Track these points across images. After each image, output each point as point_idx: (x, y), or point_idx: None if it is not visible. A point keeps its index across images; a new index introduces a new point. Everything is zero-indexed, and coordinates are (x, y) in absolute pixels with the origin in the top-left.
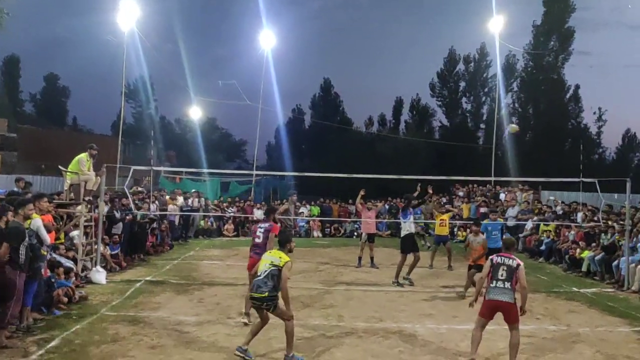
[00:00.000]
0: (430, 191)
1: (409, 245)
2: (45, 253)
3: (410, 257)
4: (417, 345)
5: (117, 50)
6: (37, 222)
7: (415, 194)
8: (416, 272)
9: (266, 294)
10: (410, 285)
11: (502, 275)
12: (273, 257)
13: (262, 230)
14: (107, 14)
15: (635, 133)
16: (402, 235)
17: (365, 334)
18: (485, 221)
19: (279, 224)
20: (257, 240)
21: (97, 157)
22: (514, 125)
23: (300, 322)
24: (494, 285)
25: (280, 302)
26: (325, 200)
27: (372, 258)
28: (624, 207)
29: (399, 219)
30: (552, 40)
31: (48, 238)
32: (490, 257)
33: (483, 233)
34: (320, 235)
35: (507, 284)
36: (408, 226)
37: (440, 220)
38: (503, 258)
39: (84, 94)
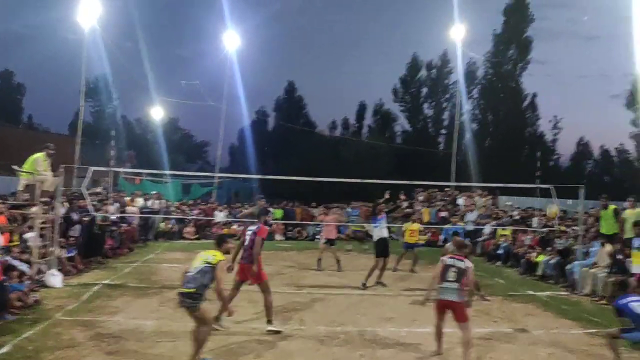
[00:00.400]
0: (387, 196)
1: (380, 249)
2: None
3: (380, 262)
4: (378, 349)
5: (77, 47)
6: None
7: (382, 200)
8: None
9: (193, 289)
10: (384, 286)
11: (451, 277)
12: (208, 254)
13: (249, 233)
14: (67, 11)
15: (588, 141)
16: (374, 239)
17: (326, 338)
18: (448, 226)
19: (268, 227)
20: (246, 244)
21: (54, 157)
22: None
23: (262, 326)
24: (443, 285)
25: (203, 307)
26: (288, 204)
27: (338, 261)
28: (577, 212)
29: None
30: (511, 49)
31: (1, 240)
32: (442, 257)
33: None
34: (283, 238)
35: (456, 285)
36: (379, 231)
37: (411, 231)
38: (454, 260)
39: (41, 92)
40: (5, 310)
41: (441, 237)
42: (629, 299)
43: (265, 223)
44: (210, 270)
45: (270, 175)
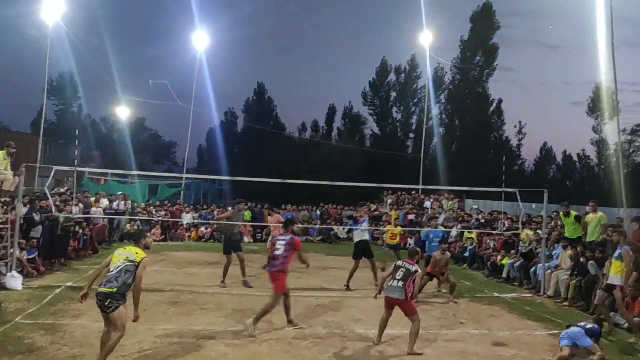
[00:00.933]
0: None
1: (359, 251)
2: None
3: (358, 263)
4: (346, 351)
5: (40, 44)
6: None
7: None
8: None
9: (115, 289)
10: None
11: (399, 276)
12: (129, 252)
13: (282, 242)
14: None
15: (551, 147)
16: (355, 241)
17: (295, 340)
18: (426, 229)
19: (298, 237)
20: (276, 252)
21: (14, 156)
22: None
23: (230, 329)
24: (390, 283)
25: (121, 310)
26: (257, 206)
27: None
28: (541, 216)
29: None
30: (478, 56)
31: None
32: (396, 263)
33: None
34: (252, 240)
35: (401, 284)
36: (360, 234)
37: (392, 234)
38: (405, 263)
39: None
40: None
41: (410, 241)
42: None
43: (293, 232)
44: (134, 269)
45: (240, 177)
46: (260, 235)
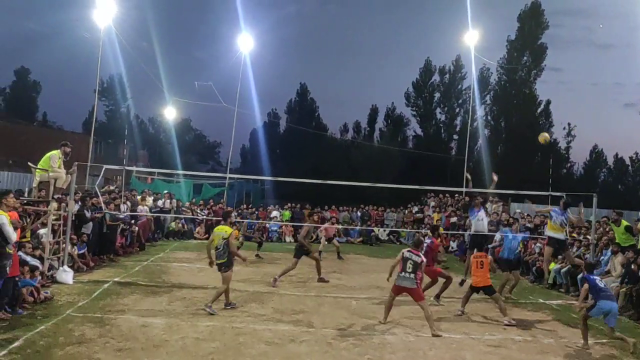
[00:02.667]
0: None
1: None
2: (11, 251)
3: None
4: (385, 353)
5: (92, 46)
6: (0, 218)
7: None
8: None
9: (225, 260)
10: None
11: (409, 269)
12: (221, 231)
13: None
14: (83, 10)
15: (602, 149)
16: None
17: (334, 341)
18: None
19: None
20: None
21: (69, 156)
22: (545, 135)
23: (269, 327)
24: (402, 275)
25: (228, 273)
26: (297, 206)
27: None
28: (590, 221)
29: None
30: (525, 56)
31: (13, 235)
32: (402, 251)
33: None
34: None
35: (412, 275)
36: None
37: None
38: (411, 254)
39: (56, 90)
40: (18, 305)
41: (453, 244)
42: (594, 277)
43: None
44: (227, 242)
45: (281, 177)
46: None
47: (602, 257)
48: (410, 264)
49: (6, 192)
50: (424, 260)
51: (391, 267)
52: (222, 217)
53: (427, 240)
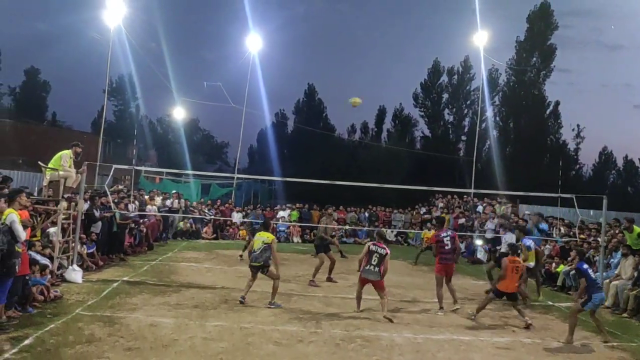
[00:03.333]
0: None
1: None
2: (20, 250)
3: None
4: (394, 354)
5: (102, 47)
6: (11, 217)
7: None
8: (402, 281)
9: (262, 263)
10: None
11: (374, 261)
12: (263, 237)
13: (448, 238)
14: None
15: (611, 151)
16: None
17: (342, 342)
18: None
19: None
20: (446, 247)
21: (80, 156)
22: (356, 100)
23: (278, 328)
24: (367, 267)
25: (271, 269)
26: (305, 206)
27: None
28: (598, 223)
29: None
30: (534, 57)
31: (23, 234)
32: (368, 244)
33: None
34: (300, 240)
35: (377, 268)
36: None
37: (427, 237)
38: (377, 247)
39: (66, 90)
40: (27, 304)
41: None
42: (586, 266)
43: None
44: (268, 247)
45: (289, 178)
46: (308, 235)
47: (612, 260)
48: (376, 257)
49: (19, 191)
50: (389, 252)
51: (359, 261)
52: (264, 226)
53: (449, 233)
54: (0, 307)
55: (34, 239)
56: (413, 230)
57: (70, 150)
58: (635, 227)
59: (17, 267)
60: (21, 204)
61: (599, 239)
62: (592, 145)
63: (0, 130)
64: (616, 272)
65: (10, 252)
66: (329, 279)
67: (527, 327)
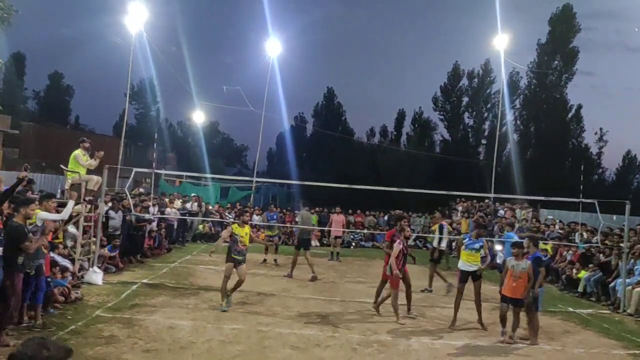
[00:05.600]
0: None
1: None
2: (46, 251)
3: None
4: (410, 359)
5: (123, 51)
6: (40, 215)
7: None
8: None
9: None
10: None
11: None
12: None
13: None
14: (115, 16)
15: (635, 155)
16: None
17: (359, 346)
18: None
19: None
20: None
21: (90, 150)
22: None
23: (295, 332)
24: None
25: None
26: (324, 210)
27: (337, 253)
28: (621, 229)
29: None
30: (556, 60)
31: (58, 216)
32: (399, 245)
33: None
34: (318, 244)
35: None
36: None
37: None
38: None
39: (88, 94)
40: (49, 305)
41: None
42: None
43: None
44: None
45: (307, 182)
46: (327, 239)
47: (636, 267)
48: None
49: (49, 196)
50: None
51: (393, 264)
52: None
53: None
54: (38, 307)
55: (57, 241)
56: (431, 235)
57: (79, 149)
58: None
59: (43, 267)
60: (48, 209)
61: (621, 245)
62: (615, 149)
63: (24, 133)
64: (639, 278)
65: (37, 253)
66: (313, 278)
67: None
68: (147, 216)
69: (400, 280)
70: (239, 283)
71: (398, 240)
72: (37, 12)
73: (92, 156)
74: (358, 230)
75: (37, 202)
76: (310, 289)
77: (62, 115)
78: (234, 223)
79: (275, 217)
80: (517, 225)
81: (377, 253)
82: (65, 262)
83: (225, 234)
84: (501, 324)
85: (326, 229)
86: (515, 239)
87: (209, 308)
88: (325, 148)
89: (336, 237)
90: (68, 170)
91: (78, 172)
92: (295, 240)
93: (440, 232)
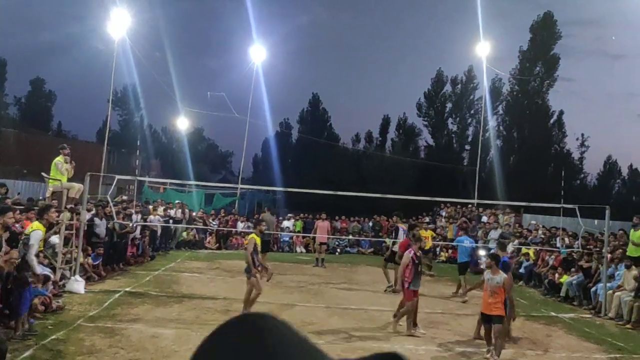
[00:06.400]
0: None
1: None
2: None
3: None
4: None
5: (106, 57)
6: (36, 235)
7: None
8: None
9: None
10: None
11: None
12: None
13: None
14: (98, 22)
15: (616, 160)
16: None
17: (343, 353)
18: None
19: None
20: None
21: (70, 156)
22: None
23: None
24: (416, 280)
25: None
26: (309, 216)
27: (322, 259)
28: (602, 233)
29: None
30: (537, 66)
31: (37, 269)
32: (410, 254)
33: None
34: (304, 250)
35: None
36: None
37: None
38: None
39: (71, 100)
40: (29, 315)
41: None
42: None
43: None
44: None
45: (292, 188)
46: (311, 246)
47: (616, 272)
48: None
49: (47, 207)
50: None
51: (401, 275)
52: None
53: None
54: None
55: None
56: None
57: (60, 156)
58: None
59: (29, 278)
60: (50, 220)
61: (602, 250)
62: (596, 154)
63: (5, 140)
64: (619, 283)
65: (23, 263)
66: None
67: None
68: (130, 224)
69: (414, 292)
70: (257, 295)
71: (409, 249)
72: (18, 17)
73: (79, 173)
74: (344, 237)
75: (17, 212)
76: (295, 296)
77: (44, 121)
78: (251, 234)
79: None
80: (499, 231)
81: (362, 259)
82: (46, 271)
83: (251, 247)
84: (487, 342)
85: (311, 235)
86: (466, 243)
87: (192, 316)
88: (310, 154)
89: (321, 244)
90: (49, 178)
91: (60, 180)
92: None
93: (396, 235)
